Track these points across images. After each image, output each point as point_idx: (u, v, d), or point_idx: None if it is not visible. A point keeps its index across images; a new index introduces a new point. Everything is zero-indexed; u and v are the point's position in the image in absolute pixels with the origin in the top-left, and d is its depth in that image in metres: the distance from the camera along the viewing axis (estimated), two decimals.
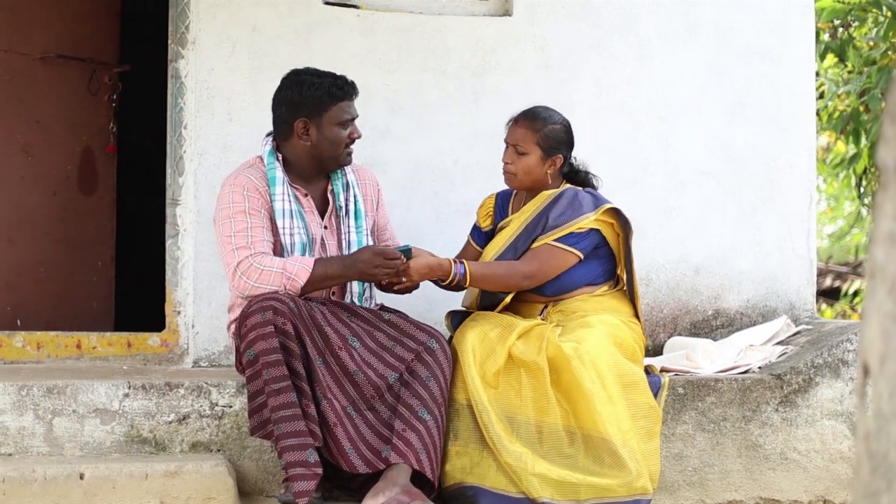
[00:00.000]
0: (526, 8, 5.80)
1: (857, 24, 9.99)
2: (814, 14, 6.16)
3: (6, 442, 4.63)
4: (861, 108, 9.63)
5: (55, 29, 6.55)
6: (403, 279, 4.77)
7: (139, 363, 5.55)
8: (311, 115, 4.78)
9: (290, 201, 4.76)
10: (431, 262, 4.80)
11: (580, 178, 5.09)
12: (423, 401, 4.54)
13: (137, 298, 7.34)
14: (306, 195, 4.83)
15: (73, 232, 6.59)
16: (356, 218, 4.87)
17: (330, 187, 4.90)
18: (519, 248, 4.97)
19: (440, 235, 5.56)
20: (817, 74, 8.65)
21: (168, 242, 5.55)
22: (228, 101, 5.52)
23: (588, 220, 4.90)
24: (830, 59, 10.30)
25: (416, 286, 4.88)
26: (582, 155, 5.26)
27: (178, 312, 5.57)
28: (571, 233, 4.89)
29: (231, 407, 4.76)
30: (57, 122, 6.55)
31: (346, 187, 4.90)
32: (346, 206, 4.88)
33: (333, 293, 4.81)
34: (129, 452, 4.69)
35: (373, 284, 4.90)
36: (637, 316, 5.04)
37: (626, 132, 5.87)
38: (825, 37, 10.06)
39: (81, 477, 4.37)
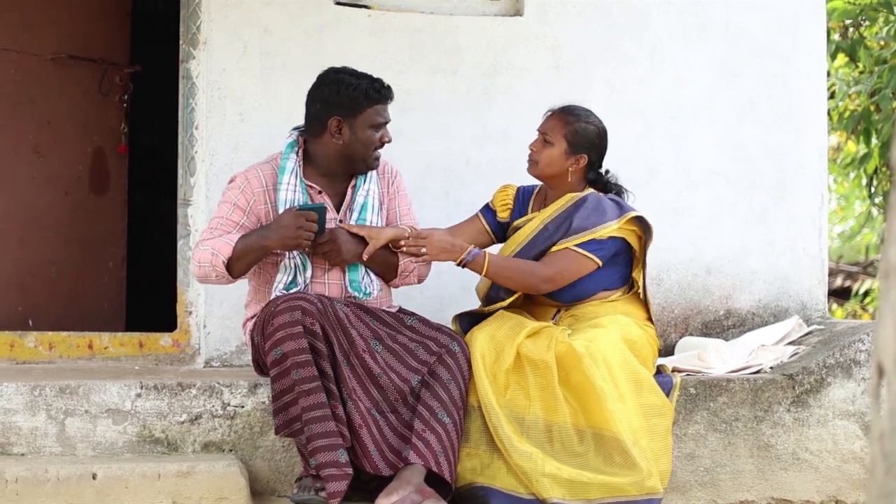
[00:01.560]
0: (537, 8, 5.80)
1: (867, 23, 9.98)
2: (825, 14, 6.16)
3: (19, 442, 4.64)
4: (872, 108, 9.61)
5: (66, 29, 6.56)
6: (423, 250, 4.78)
7: (151, 363, 5.56)
8: (346, 115, 4.75)
9: (293, 191, 4.74)
10: (454, 241, 4.84)
11: (609, 189, 5.06)
12: (444, 403, 4.54)
13: (149, 299, 7.34)
14: (320, 192, 4.81)
15: (84, 232, 6.60)
16: (361, 211, 4.84)
17: (353, 182, 4.87)
18: (537, 248, 4.94)
19: None
20: (828, 74, 8.63)
21: (179, 243, 5.56)
22: (240, 102, 5.52)
23: (611, 229, 4.87)
24: (841, 58, 10.29)
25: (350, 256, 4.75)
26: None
27: (190, 313, 5.57)
28: (593, 239, 4.86)
29: (243, 407, 4.76)
30: (68, 122, 6.56)
31: (364, 181, 4.88)
32: (356, 199, 4.84)
33: (349, 295, 4.80)
34: (142, 452, 4.70)
35: (370, 272, 4.85)
36: (650, 319, 5.03)
37: (638, 132, 5.86)
38: (836, 36, 10.05)
39: (94, 477, 4.38)
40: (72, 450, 4.67)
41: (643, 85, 5.90)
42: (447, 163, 5.71)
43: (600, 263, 4.89)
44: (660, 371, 4.97)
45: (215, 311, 5.50)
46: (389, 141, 4.81)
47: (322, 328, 4.47)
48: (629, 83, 5.89)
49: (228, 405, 4.77)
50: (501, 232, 5.14)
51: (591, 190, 5.00)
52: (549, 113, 5.04)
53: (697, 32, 5.96)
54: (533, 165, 4.99)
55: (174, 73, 5.67)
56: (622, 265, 4.98)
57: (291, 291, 4.64)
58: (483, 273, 4.85)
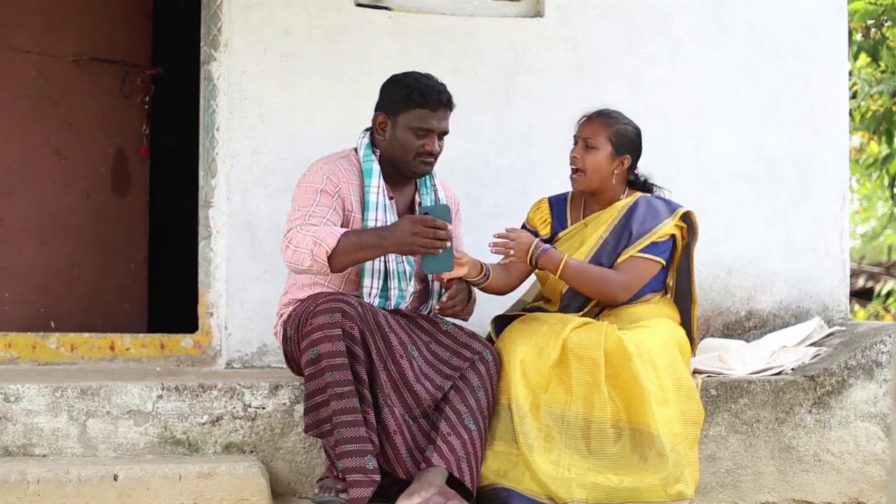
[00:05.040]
0: (557, 9, 5.80)
1: (889, 23, 9.95)
2: (847, 14, 6.14)
3: (40, 443, 4.65)
4: (894, 109, 9.59)
5: (88, 32, 6.58)
6: (511, 252, 4.75)
7: (172, 364, 5.57)
8: (390, 113, 4.75)
9: (383, 195, 4.72)
10: (530, 240, 4.80)
11: (646, 188, 5.05)
12: (472, 410, 4.53)
13: (170, 300, 7.36)
14: (392, 198, 4.79)
15: (106, 234, 6.62)
16: None
17: (418, 199, 4.86)
18: (605, 263, 4.90)
19: (471, 237, 5.55)
20: (850, 74, 8.60)
21: (201, 244, 5.57)
22: (260, 104, 5.53)
23: (668, 227, 4.88)
24: (863, 58, 10.26)
25: (461, 282, 4.78)
26: None
27: (211, 314, 5.58)
28: (653, 242, 4.87)
29: (264, 408, 4.77)
30: (90, 124, 6.58)
31: (428, 193, 4.87)
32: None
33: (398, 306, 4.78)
34: (163, 454, 4.71)
35: (425, 292, 4.86)
36: (683, 323, 5.00)
37: (659, 133, 5.85)
38: (858, 37, 10.03)
39: (115, 478, 4.39)
40: (93, 451, 4.68)
41: (664, 86, 5.90)
42: (468, 164, 5.71)
43: (664, 263, 4.92)
44: None
45: (237, 312, 5.51)
46: (436, 150, 4.74)
47: (361, 332, 4.43)
48: (650, 84, 5.89)
49: (249, 406, 4.78)
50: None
51: (637, 194, 4.99)
52: (585, 118, 4.99)
53: (718, 33, 5.95)
54: (580, 175, 4.92)
55: (195, 75, 5.69)
56: (667, 266, 4.99)
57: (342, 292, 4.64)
58: (557, 273, 4.82)
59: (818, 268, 5.98)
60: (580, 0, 5.83)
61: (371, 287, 4.73)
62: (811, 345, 5.51)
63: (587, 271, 4.86)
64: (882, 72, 10.02)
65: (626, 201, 4.96)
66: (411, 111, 4.71)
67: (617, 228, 4.91)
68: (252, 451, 4.76)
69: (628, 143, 4.95)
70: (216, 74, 5.58)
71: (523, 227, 5.14)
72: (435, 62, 5.69)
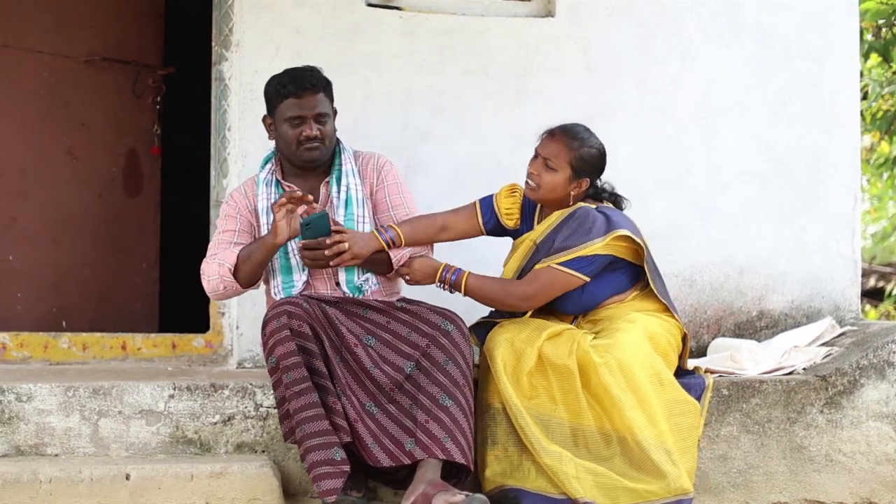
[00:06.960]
0: (568, 9, 5.80)
1: None
2: (858, 14, 6.14)
3: (53, 442, 4.66)
4: None
5: (100, 32, 6.59)
6: (407, 277, 4.84)
7: (184, 364, 5.58)
8: (270, 114, 4.86)
9: (270, 199, 4.81)
10: (434, 264, 4.85)
11: (604, 198, 4.92)
12: (444, 387, 4.52)
13: (182, 300, 7.36)
14: (296, 191, 4.77)
15: (117, 233, 6.63)
16: (346, 206, 4.84)
17: (327, 179, 4.88)
18: (527, 270, 4.86)
19: (481, 237, 5.55)
20: (861, 74, 8.59)
21: None
22: None
23: (597, 247, 4.73)
24: (874, 58, 10.25)
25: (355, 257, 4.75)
26: (625, 156, 5.25)
27: (223, 314, 5.59)
28: (579, 257, 4.73)
29: (275, 408, 4.77)
30: (102, 124, 6.59)
31: (340, 176, 4.88)
32: (339, 195, 4.86)
33: (337, 284, 4.83)
34: (175, 453, 4.72)
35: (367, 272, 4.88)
36: (667, 310, 4.91)
37: (669, 133, 5.85)
38: (869, 36, 10.01)
39: (127, 478, 4.40)
40: (105, 450, 4.69)
41: (675, 85, 5.89)
42: (478, 164, 5.71)
43: (587, 279, 4.77)
44: (692, 372, 4.95)
45: (248, 312, 5.51)
46: (314, 135, 4.76)
47: (311, 328, 4.50)
48: (661, 84, 5.88)
49: (261, 406, 4.78)
50: (500, 230, 5.02)
51: (580, 204, 4.85)
52: (548, 135, 4.85)
53: (729, 33, 5.95)
54: (534, 190, 4.84)
55: (207, 75, 5.70)
56: (626, 269, 4.87)
57: (286, 296, 4.69)
58: (462, 293, 4.82)
59: (829, 268, 5.97)
60: (591, 0, 5.83)
61: (277, 286, 4.84)
62: (823, 344, 5.51)
63: (486, 286, 4.83)
64: (893, 72, 10.01)
65: (565, 210, 4.84)
66: (280, 105, 4.80)
67: (548, 237, 4.82)
68: (264, 451, 4.77)
69: (589, 167, 4.82)
70: (228, 74, 5.59)
71: (486, 199, 5.03)
72: (446, 62, 5.69)
